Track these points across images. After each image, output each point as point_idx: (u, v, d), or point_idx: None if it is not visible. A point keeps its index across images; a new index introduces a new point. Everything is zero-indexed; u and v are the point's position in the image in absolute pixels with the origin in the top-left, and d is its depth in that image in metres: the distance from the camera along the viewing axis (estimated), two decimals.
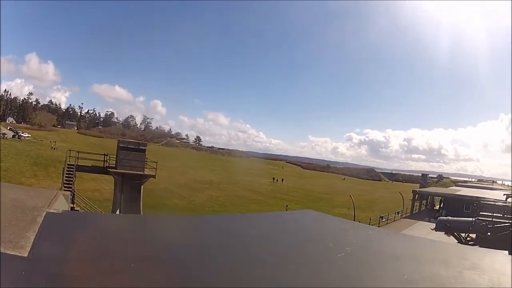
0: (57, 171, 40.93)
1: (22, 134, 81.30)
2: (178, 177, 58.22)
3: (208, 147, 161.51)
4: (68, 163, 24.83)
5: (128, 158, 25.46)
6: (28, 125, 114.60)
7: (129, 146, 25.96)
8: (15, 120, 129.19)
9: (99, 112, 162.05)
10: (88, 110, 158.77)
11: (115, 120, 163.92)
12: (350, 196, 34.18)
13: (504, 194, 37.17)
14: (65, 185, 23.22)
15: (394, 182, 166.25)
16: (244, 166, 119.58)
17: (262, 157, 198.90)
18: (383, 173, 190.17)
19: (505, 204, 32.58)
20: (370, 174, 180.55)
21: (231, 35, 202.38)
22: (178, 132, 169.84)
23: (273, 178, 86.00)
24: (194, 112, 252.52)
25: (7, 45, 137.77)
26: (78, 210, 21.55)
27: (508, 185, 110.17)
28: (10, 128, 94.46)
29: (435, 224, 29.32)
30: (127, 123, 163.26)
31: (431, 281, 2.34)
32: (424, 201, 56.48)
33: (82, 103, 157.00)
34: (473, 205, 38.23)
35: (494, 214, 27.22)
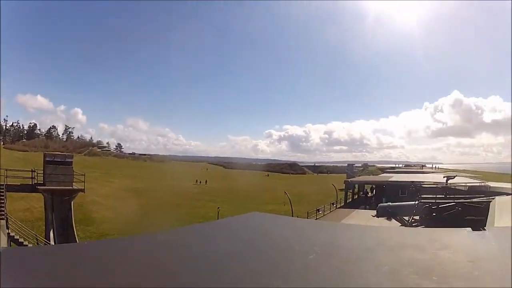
0: None
1: None
2: (103, 187, 55.12)
3: (129, 153, 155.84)
4: None
5: (56, 172, 23.84)
6: None
7: (55, 160, 24.32)
8: None
9: (22, 125, 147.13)
10: (13, 123, 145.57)
11: (38, 131, 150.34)
12: (285, 192, 34.93)
13: (444, 177, 38.73)
14: None
15: (319, 174, 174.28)
16: (166, 170, 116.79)
17: (182, 160, 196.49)
18: (306, 166, 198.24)
19: (445, 186, 35.37)
20: (293, 168, 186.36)
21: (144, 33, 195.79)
22: (100, 141, 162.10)
23: (196, 180, 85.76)
24: (114, 118, 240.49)
25: None
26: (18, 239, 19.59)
27: (437, 167, 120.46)
28: None
29: (375, 211, 32.59)
30: (50, 134, 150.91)
31: (413, 266, 2.30)
32: (356, 190, 57.77)
33: (7, 116, 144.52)
34: (410, 189, 41.42)
35: (437, 196, 30.80)
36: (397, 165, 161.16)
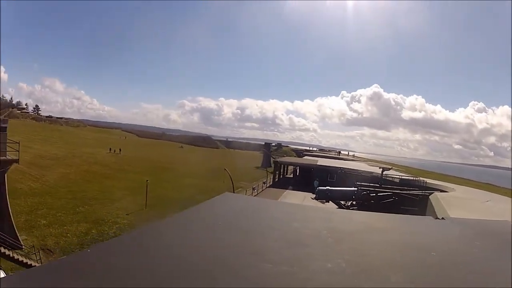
0: None
1: None
2: (25, 154, 49.13)
3: (46, 116, 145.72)
4: None
5: None
6: None
7: None
8: None
9: None
10: None
11: None
12: (225, 169, 34.34)
13: (379, 168, 40.77)
14: None
15: (232, 150, 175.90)
16: (83, 136, 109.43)
17: (95, 125, 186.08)
18: (219, 141, 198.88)
19: (380, 176, 37.61)
20: (206, 142, 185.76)
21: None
22: (19, 102, 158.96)
23: (110, 149, 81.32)
24: (32, 78, 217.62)
25: None
26: None
27: (354, 155, 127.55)
28: None
29: (315, 193, 33.79)
30: None
31: (394, 248, 2.63)
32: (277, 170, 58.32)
33: None
34: (339, 172, 45.44)
35: (371, 184, 33.33)
36: (311, 148, 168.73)
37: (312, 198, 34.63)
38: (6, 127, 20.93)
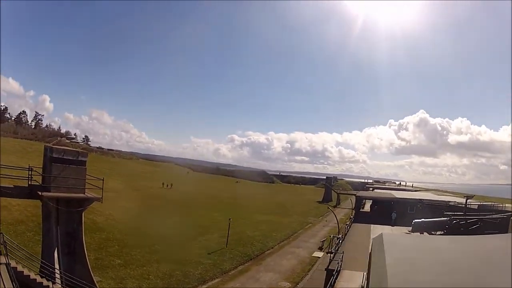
0: None
1: None
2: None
3: (97, 147, 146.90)
4: None
5: (65, 174, 17.76)
6: None
7: (65, 157, 17.97)
8: None
9: None
10: None
11: (8, 115, 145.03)
12: (328, 207, 32.01)
13: (464, 196, 44.57)
14: None
15: (288, 184, 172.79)
16: (137, 169, 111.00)
17: (145, 158, 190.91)
18: (274, 175, 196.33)
19: (466, 204, 40.26)
20: (261, 176, 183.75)
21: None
22: (68, 131, 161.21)
23: (163, 184, 78.62)
24: (80, 109, 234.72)
25: None
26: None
27: (413, 185, 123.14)
28: None
29: (411, 226, 35.91)
30: (19, 120, 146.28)
31: None
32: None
33: None
34: (419, 205, 47.16)
35: (457, 213, 36.16)
36: (366, 180, 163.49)
37: (408, 232, 35.58)
38: (85, 161, 18.85)
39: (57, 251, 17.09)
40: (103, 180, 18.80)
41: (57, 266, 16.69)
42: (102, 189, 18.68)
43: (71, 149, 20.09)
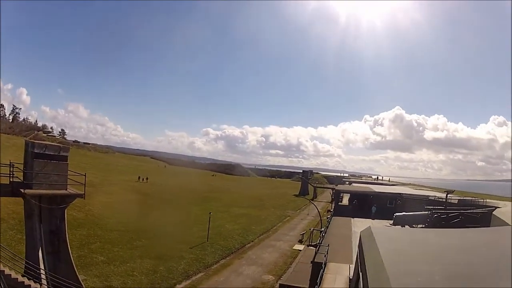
0: None
1: None
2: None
3: (73, 141, 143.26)
4: None
5: (47, 170, 17.39)
6: None
7: (46, 153, 17.52)
8: None
9: None
10: None
11: None
12: (310, 200, 32.05)
13: (444, 191, 45.91)
14: None
15: (263, 177, 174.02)
16: (114, 163, 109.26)
17: (120, 151, 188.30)
18: (250, 169, 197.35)
19: (446, 199, 41.40)
20: (237, 169, 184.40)
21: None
22: (44, 125, 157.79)
23: (138, 177, 76.94)
24: (56, 102, 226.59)
25: None
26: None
27: (389, 179, 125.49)
28: None
29: (392, 220, 36.45)
30: None
31: None
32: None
33: None
34: (398, 199, 48.49)
35: (437, 207, 36.67)
36: (342, 174, 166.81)
37: (389, 225, 36.15)
38: (67, 156, 18.38)
39: (41, 250, 16.79)
40: (85, 175, 18.35)
41: (42, 266, 16.41)
42: (85, 185, 18.39)
43: (53, 144, 19.63)
